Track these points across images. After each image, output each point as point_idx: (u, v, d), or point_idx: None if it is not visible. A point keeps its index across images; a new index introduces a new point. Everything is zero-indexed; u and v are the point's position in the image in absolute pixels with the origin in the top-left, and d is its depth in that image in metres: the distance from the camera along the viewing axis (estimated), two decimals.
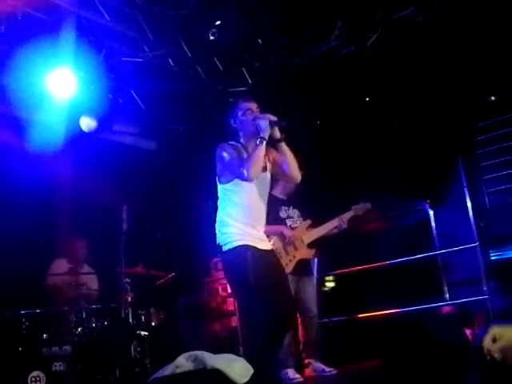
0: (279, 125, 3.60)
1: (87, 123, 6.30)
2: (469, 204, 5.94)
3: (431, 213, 6.47)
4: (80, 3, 5.13)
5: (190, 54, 6.17)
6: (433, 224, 6.44)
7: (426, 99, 6.13)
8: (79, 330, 5.03)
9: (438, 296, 6.12)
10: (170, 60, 6.22)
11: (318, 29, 6.12)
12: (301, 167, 3.76)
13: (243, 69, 6.62)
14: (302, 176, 3.82)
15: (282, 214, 5.16)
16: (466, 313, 5.63)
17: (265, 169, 3.70)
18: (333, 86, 6.46)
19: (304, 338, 5.17)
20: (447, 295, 6.19)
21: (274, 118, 3.58)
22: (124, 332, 5.20)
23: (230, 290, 6.17)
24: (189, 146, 7.14)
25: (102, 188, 6.04)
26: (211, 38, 5.66)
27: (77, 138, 6.14)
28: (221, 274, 6.67)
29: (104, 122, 6.43)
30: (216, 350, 3.35)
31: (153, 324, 5.58)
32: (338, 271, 6.46)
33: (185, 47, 6.10)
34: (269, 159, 3.75)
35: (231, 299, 6.69)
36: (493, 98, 6.14)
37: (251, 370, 3.14)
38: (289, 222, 5.14)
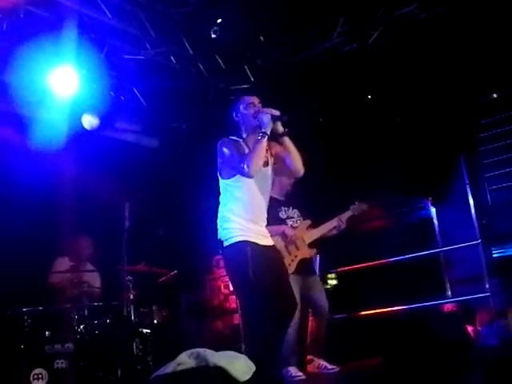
0: (281, 119, 3.57)
1: (89, 121, 6.31)
2: (471, 201, 5.94)
3: (433, 210, 6.46)
4: (82, 1, 5.14)
5: (191, 52, 6.18)
6: (435, 221, 6.43)
7: (428, 97, 6.13)
8: (81, 327, 5.02)
9: (440, 293, 6.12)
10: (172, 58, 6.22)
11: (319, 26, 6.12)
12: (303, 163, 3.72)
13: (245, 66, 6.62)
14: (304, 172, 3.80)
15: (282, 215, 5.13)
16: (468, 310, 5.62)
17: (266, 164, 3.66)
18: (335, 84, 6.46)
19: (313, 336, 5.15)
20: (449, 292, 6.18)
21: (276, 113, 3.55)
22: (126, 330, 5.20)
23: (231, 288, 6.17)
24: (191, 144, 7.14)
25: (104, 186, 6.04)
26: (213, 35, 5.65)
27: (79, 136, 6.16)
28: (222, 272, 6.66)
29: (106, 120, 6.44)
30: (218, 348, 3.36)
31: (155, 322, 5.57)
32: (340, 269, 6.45)
33: (187, 45, 6.11)
34: (271, 154, 3.72)
35: (233, 297, 6.68)
36: (495, 95, 6.14)
37: (253, 368, 3.14)
38: (289, 223, 5.11)
